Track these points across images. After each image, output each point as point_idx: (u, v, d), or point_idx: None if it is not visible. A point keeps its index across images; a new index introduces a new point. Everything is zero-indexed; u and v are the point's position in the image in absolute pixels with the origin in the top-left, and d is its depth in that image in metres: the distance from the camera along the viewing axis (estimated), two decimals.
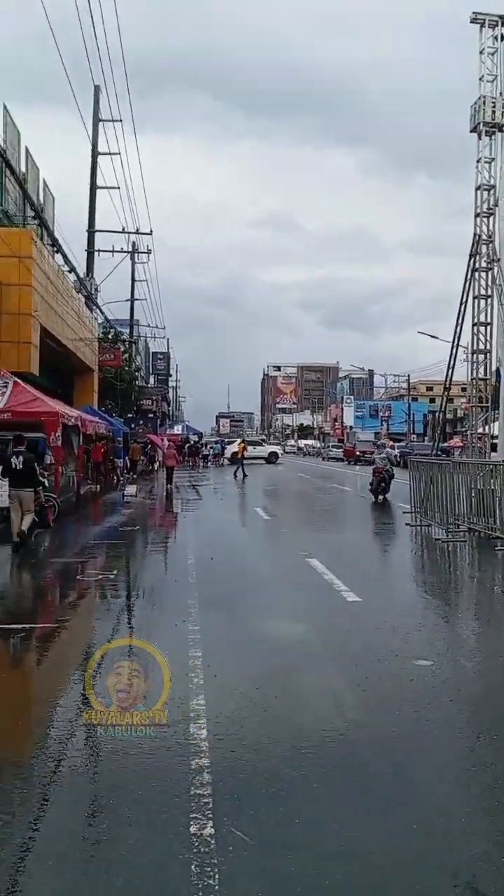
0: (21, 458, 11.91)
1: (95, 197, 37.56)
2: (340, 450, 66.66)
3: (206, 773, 3.83)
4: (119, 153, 59.89)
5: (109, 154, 37.32)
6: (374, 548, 12.98)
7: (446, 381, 18.21)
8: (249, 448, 52.81)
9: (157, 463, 40.33)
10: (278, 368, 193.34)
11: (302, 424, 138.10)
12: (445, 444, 57.06)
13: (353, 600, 8.07)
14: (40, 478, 12.81)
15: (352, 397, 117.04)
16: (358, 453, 54.69)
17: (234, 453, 50.21)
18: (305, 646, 6.45)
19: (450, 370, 18.26)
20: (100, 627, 7.38)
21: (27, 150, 29.34)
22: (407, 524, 15.15)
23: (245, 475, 33.90)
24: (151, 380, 74.46)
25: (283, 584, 9.27)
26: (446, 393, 17.79)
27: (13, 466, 11.86)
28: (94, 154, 37.08)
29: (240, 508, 19.83)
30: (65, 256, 28.92)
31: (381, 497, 19.81)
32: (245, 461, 50.76)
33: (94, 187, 37.36)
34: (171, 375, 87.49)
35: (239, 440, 42.66)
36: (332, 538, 14.28)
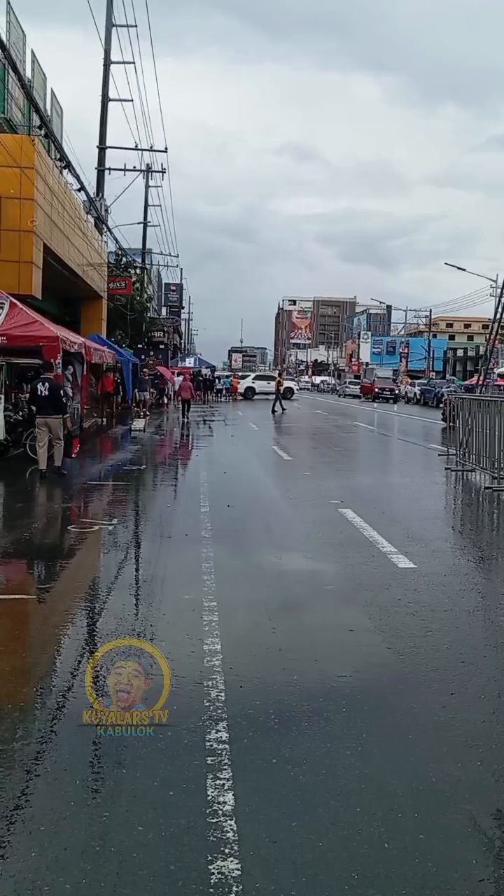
0: (47, 385, 11.77)
1: (107, 110, 34.83)
2: (357, 386, 64.71)
3: None
4: (133, 62, 55.99)
5: (123, 63, 34.60)
6: (414, 496, 11.35)
7: (497, 309, 16.12)
8: (261, 383, 51.26)
9: (168, 397, 38.77)
10: (294, 302, 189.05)
11: (316, 360, 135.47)
12: (465, 382, 55.25)
13: (405, 566, 6.60)
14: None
15: (369, 333, 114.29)
16: (377, 390, 52.78)
17: (249, 388, 48.85)
18: (368, 653, 4.75)
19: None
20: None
21: (33, 55, 26.90)
22: (446, 468, 13.60)
23: (283, 409, 32.24)
24: (163, 311, 72.38)
25: (317, 545, 7.74)
26: (497, 323, 15.80)
27: (39, 393, 11.76)
28: (107, 62, 34.24)
29: (256, 447, 18.21)
30: (74, 172, 26.85)
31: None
32: (258, 396, 49.71)
33: (105, 99, 34.62)
34: (183, 308, 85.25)
35: (277, 374, 41.24)
36: (363, 483, 12.76)
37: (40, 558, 7.08)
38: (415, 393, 52.48)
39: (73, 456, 12.94)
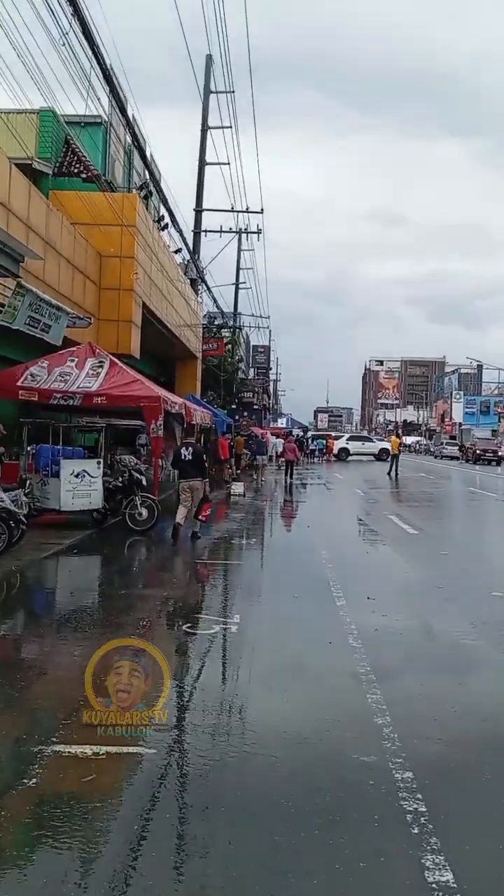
0: (191, 450, 12.39)
1: (204, 173, 34.86)
2: (455, 447, 62.04)
3: None
4: (231, 126, 56.74)
5: (221, 128, 34.79)
6: None
7: None
8: (356, 444, 49.68)
9: (262, 459, 37.57)
10: (381, 363, 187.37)
11: (406, 420, 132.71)
12: None
13: None
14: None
15: (461, 392, 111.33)
16: (478, 451, 50.17)
17: (343, 449, 47.35)
18: None
19: None
20: None
21: (132, 118, 27.05)
22: None
23: (397, 473, 30.81)
24: (251, 373, 72.36)
25: None
26: None
27: (183, 458, 12.31)
28: (204, 126, 34.37)
29: (373, 517, 16.39)
30: (178, 228, 26.61)
31: None
32: (351, 457, 48.20)
33: (202, 162, 34.66)
34: (270, 368, 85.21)
35: (392, 436, 39.48)
36: None
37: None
38: None
39: (203, 519, 12.65)
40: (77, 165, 19.27)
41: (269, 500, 20.97)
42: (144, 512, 12.74)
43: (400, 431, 43.97)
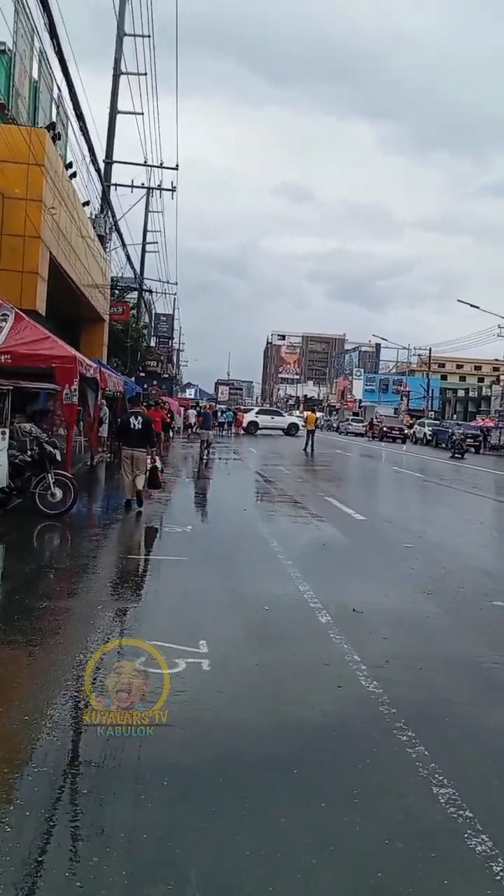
0: (140, 420, 12.05)
1: (115, 121, 32.18)
2: (360, 424, 62.15)
3: None
4: (145, 73, 53.20)
5: (137, 74, 32.24)
6: None
7: None
8: (265, 417, 48.55)
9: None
10: (283, 337, 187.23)
11: (306, 396, 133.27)
12: (476, 423, 53.10)
13: None
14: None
15: (362, 370, 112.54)
16: (385, 429, 50.06)
17: (252, 422, 46.01)
18: None
19: None
20: None
21: (41, 53, 24.24)
22: None
23: (313, 449, 29.70)
24: (152, 341, 69.97)
25: None
26: None
27: (132, 427, 11.98)
28: (117, 71, 31.66)
29: (312, 500, 14.99)
30: (99, 172, 24.13)
31: None
32: (260, 431, 47.00)
33: (113, 110, 31.95)
34: (172, 338, 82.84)
35: (309, 411, 37.76)
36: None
37: None
38: (424, 433, 50.01)
39: (160, 486, 12.87)
40: None
41: (188, 477, 19.27)
42: (58, 492, 10.80)
43: (315, 407, 43.05)
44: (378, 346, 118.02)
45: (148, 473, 12.19)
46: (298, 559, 8.61)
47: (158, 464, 13.33)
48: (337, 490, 17.07)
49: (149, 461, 12.22)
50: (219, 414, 46.46)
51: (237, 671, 5.00)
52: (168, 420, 24.26)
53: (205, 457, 23.64)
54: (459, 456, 35.14)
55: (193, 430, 33.43)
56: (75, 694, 4.45)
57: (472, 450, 42.05)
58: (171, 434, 25.50)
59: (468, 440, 42.46)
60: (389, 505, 15.88)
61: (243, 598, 6.91)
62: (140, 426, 11.98)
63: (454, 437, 38.98)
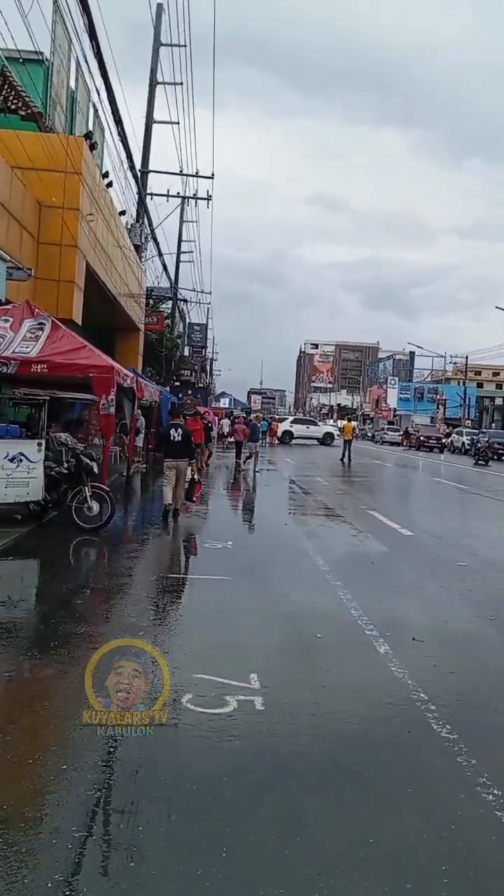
0: (180, 431, 12.15)
1: (151, 131, 32.10)
2: (396, 433, 61.27)
3: None
4: (181, 83, 53.46)
5: (174, 84, 32.06)
6: None
7: None
8: (299, 427, 47.96)
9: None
10: (316, 346, 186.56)
11: (340, 405, 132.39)
12: None
13: None
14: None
15: (396, 378, 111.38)
16: (422, 438, 49.17)
17: (286, 432, 45.47)
18: None
19: None
20: None
21: (77, 65, 24.17)
22: None
23: (351, 459, 29.12)
24: (186, 351, 70.00)
25: None
26: None
27: (172, 439, 12.09)
28: (153, 81, 31.58)
29: (357, 516, 14.43)
30: (136, 178, 23.98)
31: None
32: (295, 440, 46.42)
33: (150, 119, 31.88)
34: (206, 347, 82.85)
35: (346, 420, 37.06)
36: None
37: None
38: (462, 443, 49.07)
39: (195, 500, 12.95)
40: (15, 101, 16.58)
41: (225, 489, 18.86)
42: (95, 506, 10.46)
43: (350, 416, 42.39)
44: (412, 354, 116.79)
45: (187, 485, 12.27)
46: (347, 579, 8.13)
47: (196, 476, 13.27)
48: (379, 503, 16.52)
49: (189, 472, 12.31)
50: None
51: (293, 711, 4.51)
52: (210, 428, 23.43)
53: (252, 468, 22.68)
54: (483, 462, 35.96)
55: (228, 440, 32.92)
56: (114, 743, 4.02)
57: None
58: (211, 445, 24.69)
59: (497, 446, 41.51)
60: (435, 519, 15.27)
61: (293, 623, 6.44)
62: (180, 438, 12.06)
63: (478, 444, 40.10)
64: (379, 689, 4.96)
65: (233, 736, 4.09)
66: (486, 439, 40.87)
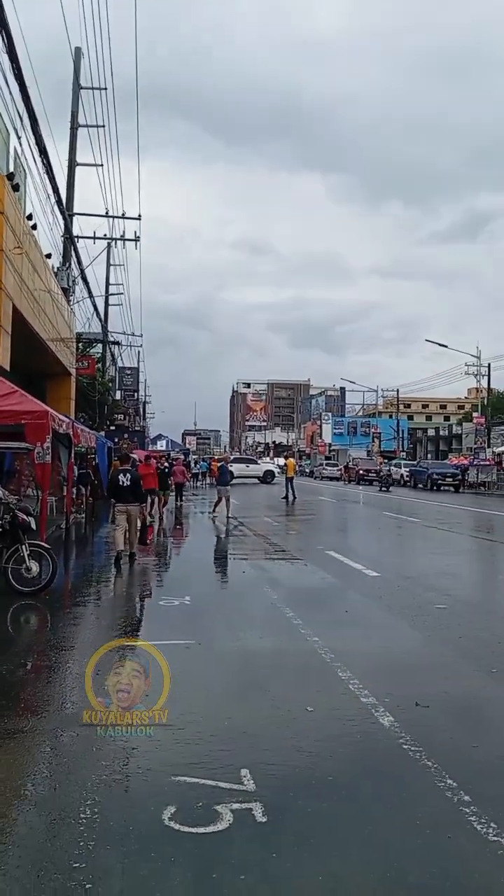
0: (129, 476, 12.13)
1: (74, 173, 31.50)
2: (335, 468, 61.34)
3: None
4: (103, 126, 53.25)
5: (96, 126, 31.38)
6: None
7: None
8: (239, 466, 47.25)
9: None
10: (248, 385, 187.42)
11: (275, 442, 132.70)
12: (452, 462, 52.48)
13: None
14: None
15: (329, 414, 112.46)
16: (361, 472, 49.04)
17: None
18: None
19: None
20: None
21: None
22: None
23: (295, 497, 28.21)
24: (118, 395, 68.98)
25: None
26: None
27: (121, 484, 12.06)
28: (74, 125, 31.08)
29: (317, 559, 13.68)
30: (64, 217, 23.22)
31: None
32: (235, 480, 45.53)
33: (72, 162, 31.32)
34: (137, 390, 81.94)
35: (285, 457, 36.05)
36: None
37: None
38: (401, 475, 49.26)
39: (148, 542, 13.13)
40: None
41: (181, 535, 17.88)
42: (34, 566, 9.39)
43: (287, 453, 42.00)
44: (343, 389, 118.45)
45: (139, 532, 12.36)
46: (325, 633, 7.31)
47: (149, 520, 13.70)
48: (335, 542, 15.79)
49: (141, 516, 12.45)
50: (192, 465, 45.17)
51: (302, 822, 3.63)
52: (166, 475, 21.08)
53: (225, 514, 20.38)
54: (386, 489, 41.10)
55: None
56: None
57: (452, 489, 41.35)
58: (167, 493, 22.40)
59: (448, 479, 41.95)
60: (397, 556, 14.66)
61: (278, 696, 5.55)
62: (129, 482, 12.03)
63: (381, 473, 45.54)
64: (398, 777, 4.12)
65: (230, 863, 3.19)
66: (386, 469, 47.27)
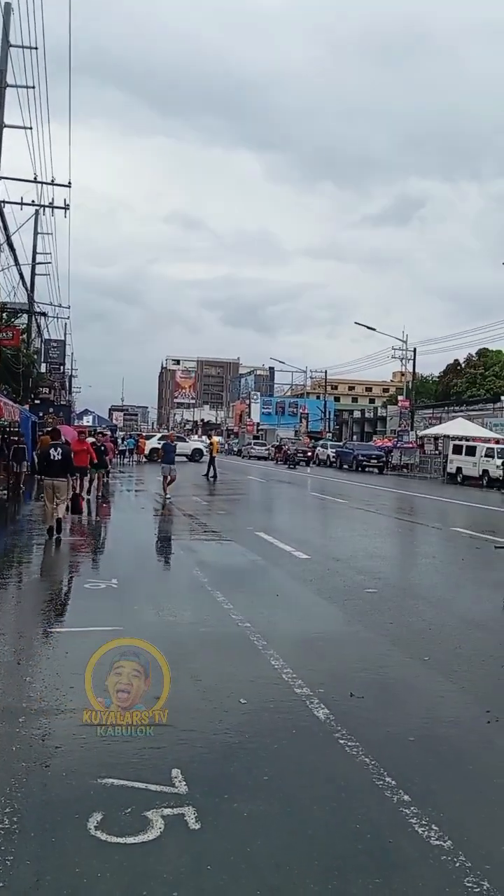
0: (60, 451, 12.20)
1: (1, 135, 30.04)
2: (263, 448, 61.41)
3: None
4: (34, 87, 51.13)
5: (25, 87, 29.95)
6: None
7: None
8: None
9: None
10: (177, 362, 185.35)
11: (204, 420, 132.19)
12: (377, 444, 53.35)
13: None
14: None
15: (258, 393, 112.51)
16: (290, 452, 49.19)
17: (154, 449, 44.02)
18: None
19: None
20: None
21: None
22: None
23: (215, 475, 28.05)
24: (43, 368, 67.16)
25: None
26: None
27: (52, 458, 12.12)
28: (2, 83, 29.53)
29: (240, 532, 13.61)
30: None
31: None
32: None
33: (0, 122, 29.84)
34: (64, 364, 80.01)
35: (210, 437, 35.40)
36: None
37: None
38: (328, 455, 49.76)
39: (80, 511, 13.96)
40: None
41: (108, 514, 17.40)
42: None
43: (211, 433, 41.80)
44: (272, 369, 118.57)
45: (69, 502, 12.71)
46: (255, 619, 7.14)
47: (85, 497, 14.25)
48: (264, 523, 15.69)
49: (69, 490, 12.72)
50: (119, 441, 44.37)
51: (238, 829, 3.42)
52: (103, 452, 19.79)
53: (168, 495, 19.43)
54: (292, 466, 44.58)
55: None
56: None
57: (377, 470, 41.99)
58: (108, 469, 21.54)
59: (373, 460, 42.59)
60: (326, 538, 14.65)
61: (209, 687, 5.33)
62: (60, 457, 12.15)
63: (288, 451, 48.65)
64: (335, 777, 3.97)
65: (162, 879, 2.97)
66: (294, 447, 51.62)
